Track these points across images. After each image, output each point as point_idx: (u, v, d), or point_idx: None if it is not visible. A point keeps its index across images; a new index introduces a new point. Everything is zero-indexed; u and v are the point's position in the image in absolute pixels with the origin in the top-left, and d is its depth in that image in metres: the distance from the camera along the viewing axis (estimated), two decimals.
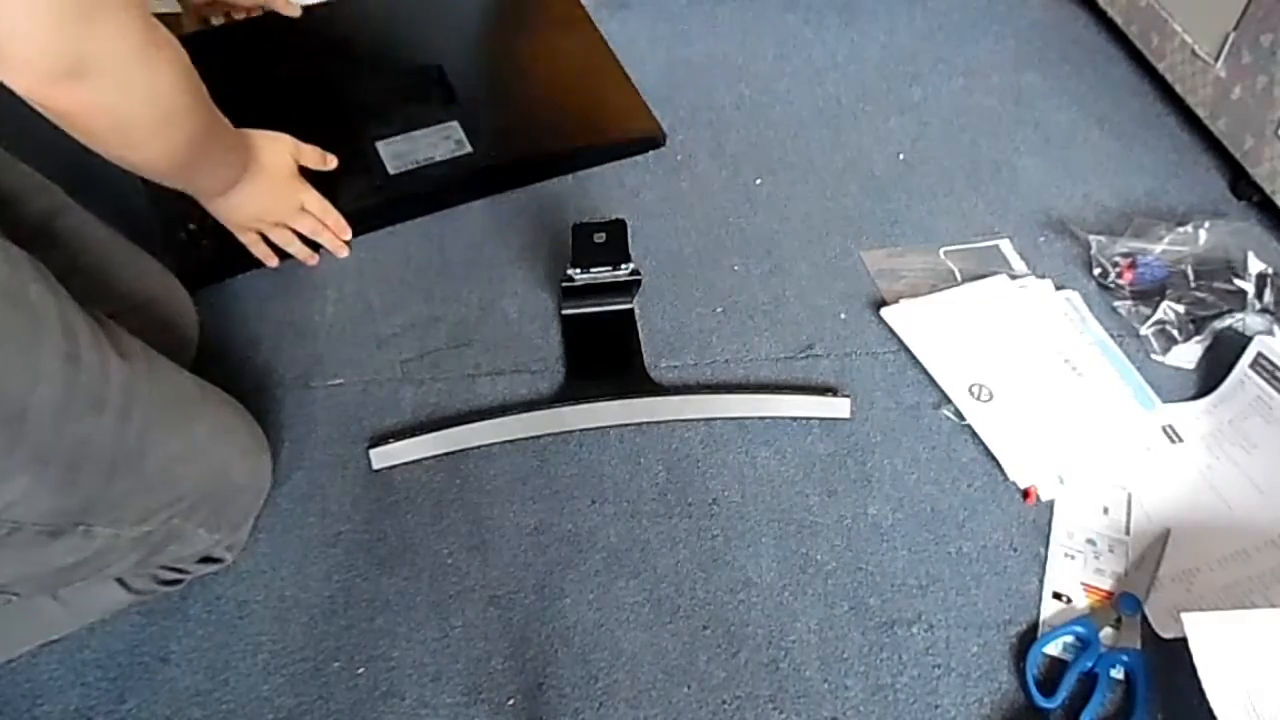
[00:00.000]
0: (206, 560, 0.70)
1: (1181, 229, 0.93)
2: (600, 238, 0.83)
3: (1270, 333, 0.85)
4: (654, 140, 1.06)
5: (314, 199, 0.82)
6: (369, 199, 0.93)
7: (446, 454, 0.79)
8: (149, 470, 0.61)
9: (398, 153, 0.95)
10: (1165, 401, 0.83)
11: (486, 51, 1.11)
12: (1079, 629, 0.68)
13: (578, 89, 1.09)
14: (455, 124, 0.98)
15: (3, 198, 0.66)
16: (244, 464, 0.71)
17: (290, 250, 0.85)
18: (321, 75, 1.00)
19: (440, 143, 0.97)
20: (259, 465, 0.73)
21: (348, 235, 0.86)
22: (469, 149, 0.97)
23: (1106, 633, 0.68)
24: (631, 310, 0.90)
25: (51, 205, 0.70)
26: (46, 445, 0.53)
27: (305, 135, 0.82)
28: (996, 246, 0.98)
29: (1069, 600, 0.71)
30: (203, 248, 0.87)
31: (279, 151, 0.78)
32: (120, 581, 0.66)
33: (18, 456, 0.52)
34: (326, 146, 0.85)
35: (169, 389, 0.65)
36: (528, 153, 1.01)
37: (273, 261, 0.86)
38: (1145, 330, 0.88)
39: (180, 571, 0.69)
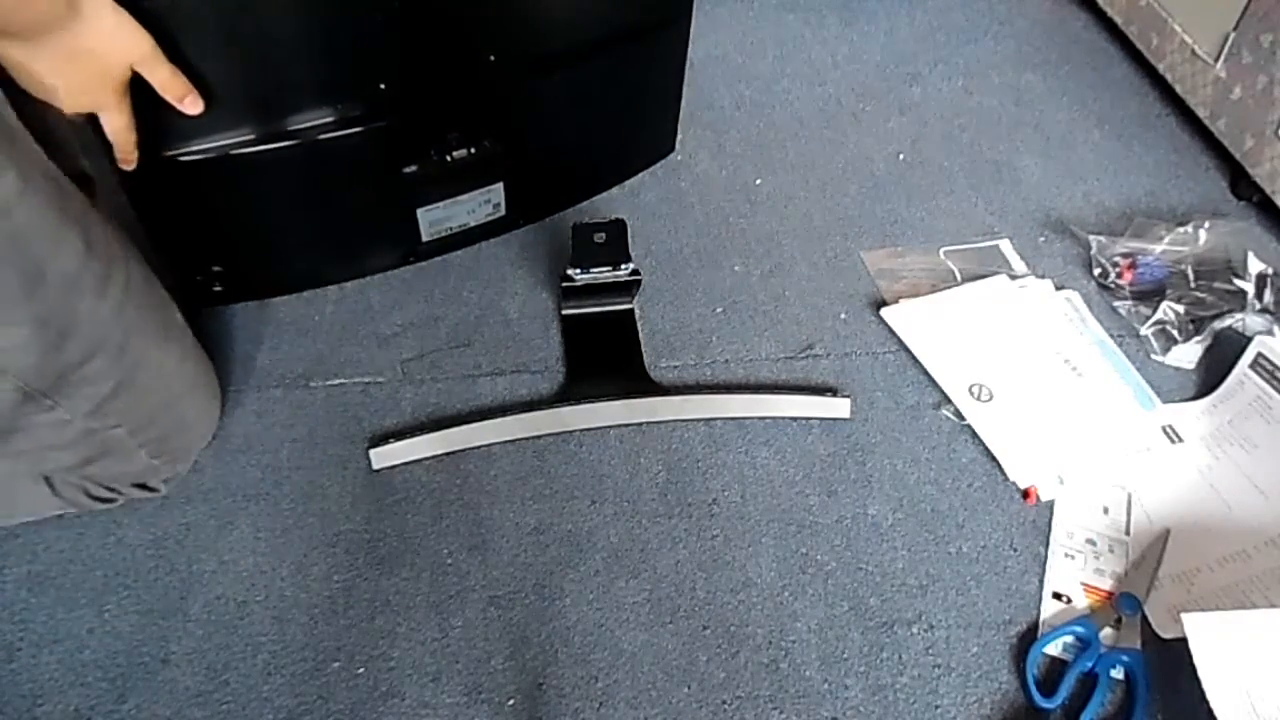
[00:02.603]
0: (141, 486, 0.73)
1: (1181, 229, 0.94)
2: (600, 238, 0.83)
3: (1270, 333, 0.85)
4: (667, 154, 1.07)
5: (114, 122, 0.64)
6: (396, 266, 0.93)
7: (446, 454, 0.79)
8: (122, 366, 0.65)
9: (436, 219, 0.90)
10: (1165, 401, 0.83)
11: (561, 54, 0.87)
12: (1079, 629, 0.68)
13: (631, 115, 1.00)
14: (500, 187, 0.91)
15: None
16: (198, 400, 0.76)
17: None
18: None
19: (479, 208, 0.92)
20: (210, 406, 0.78)
21: (130, 166, 0.69)
22: (503, 212, 0.94)
23: (1106, 633, 0.68)
24: (631, 310, 0.90)
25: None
26: (51, 309, 0.58)
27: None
28: (996, 246, 0.98)
29: (1069, 600, 0.71)
30: (216, 294, 0.87)
31: (117, 45, 0.60)
32: (48, 483, 0.69)
33: (27, 309, 0.57)
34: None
35: (159, 307, 0.71)
36: (556, 208, 1.00)
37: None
38: (1145, 330, 0.88)
39: (113, 491, 0.72)
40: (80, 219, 0.61)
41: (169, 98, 0.65)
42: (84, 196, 0.64)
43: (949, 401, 0.83)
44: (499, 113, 0.86)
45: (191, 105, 0.67)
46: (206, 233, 0.82)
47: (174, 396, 0.72)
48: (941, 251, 0.97)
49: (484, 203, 0.92)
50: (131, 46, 0.61)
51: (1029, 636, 0.69)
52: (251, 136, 0.74)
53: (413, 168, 0.84)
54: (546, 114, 0.90)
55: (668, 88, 1.01)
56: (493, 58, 0.80)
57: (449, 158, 0.85)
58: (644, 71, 0.96)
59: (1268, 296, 0.87)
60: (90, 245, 0.61)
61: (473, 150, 0.86)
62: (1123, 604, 0.70)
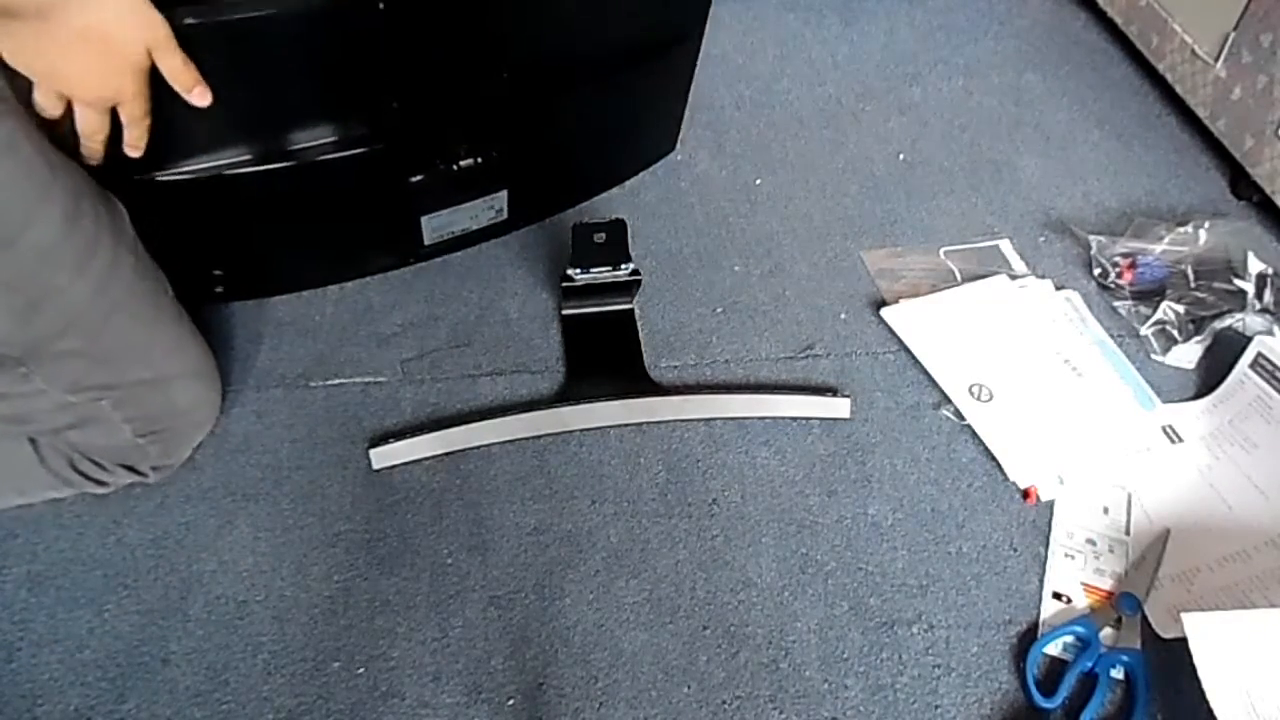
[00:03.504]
0: (129, 469, 0.73)
1: (1181, 229, 0.94)
2: (600, 238, 0.83)
3: (1270, 333, 0.85)
4: (667, 153, 1.07)
5: (133, 111, 0.63)
6: (397, 268, 0.93)
7: (446, 454, 0.79)
8: (100, 346, 0.66)
9: (438, 225, 0.90)
10: (1165, 401, 0.83)
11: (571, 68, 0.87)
12: (1079, 629, 0.68)
13: (638, 121, 1.00)
14: (504, 193, 0.91)
15: None
16: (193, 388, 0.75)
17: (85, 145, 0.64)
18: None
19: (482, 213, 0.92)
20: (206, 395, 0.77)
21: (136, 153, 0.67)
22: (505, 216, 0.94)
23: (1106, 633, 0.68)
24: (631, 310, 0.90)
25: None
26: (20, 277, 0.59)
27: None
28: (996, 246, 0.98)
29: (1069, 600, 0.71)
30: (217, 294, 0.86)
31: (132, 26, 0.59)
32: (33, 445, 0.70)
33: None
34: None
35: (150, 293, 0.70)
36: (556, 209, 1.00)
37: (53, 113, 0.62)
38: (1145, 330, 0.88)
39: (100, 468, 0.72)
40: (71, 193, 0.61)
41: (178, 87, 0.63)
42: (89, 178, 0.64)
43: (949, 401, 0.83)
44: (509, 125, 0.86)
45: (200, 97, 0.65)
46: (209, 243, 0.82)
47: (164, 380, 0.72)
48: (941, 251, 0.97)
49: (487, 208, 0.92)
50: (146, 29, 0.59)
51: (1029, 636, 0.69)
52: (261, 156, 0.74)
53: (419, 177, 0.83)
54: (557, 125, 0.90)
55: (676, 95, 1.02)
56: (507, 75, 0.80)
57: (456, 167, 0.85)
58: (657, 82, 0.97)
59: (1268, 296, 0.87)
60: (74, 221, 0.61)
61: (479, 160, 0.85)
62: (1123, 604, 0.70)
